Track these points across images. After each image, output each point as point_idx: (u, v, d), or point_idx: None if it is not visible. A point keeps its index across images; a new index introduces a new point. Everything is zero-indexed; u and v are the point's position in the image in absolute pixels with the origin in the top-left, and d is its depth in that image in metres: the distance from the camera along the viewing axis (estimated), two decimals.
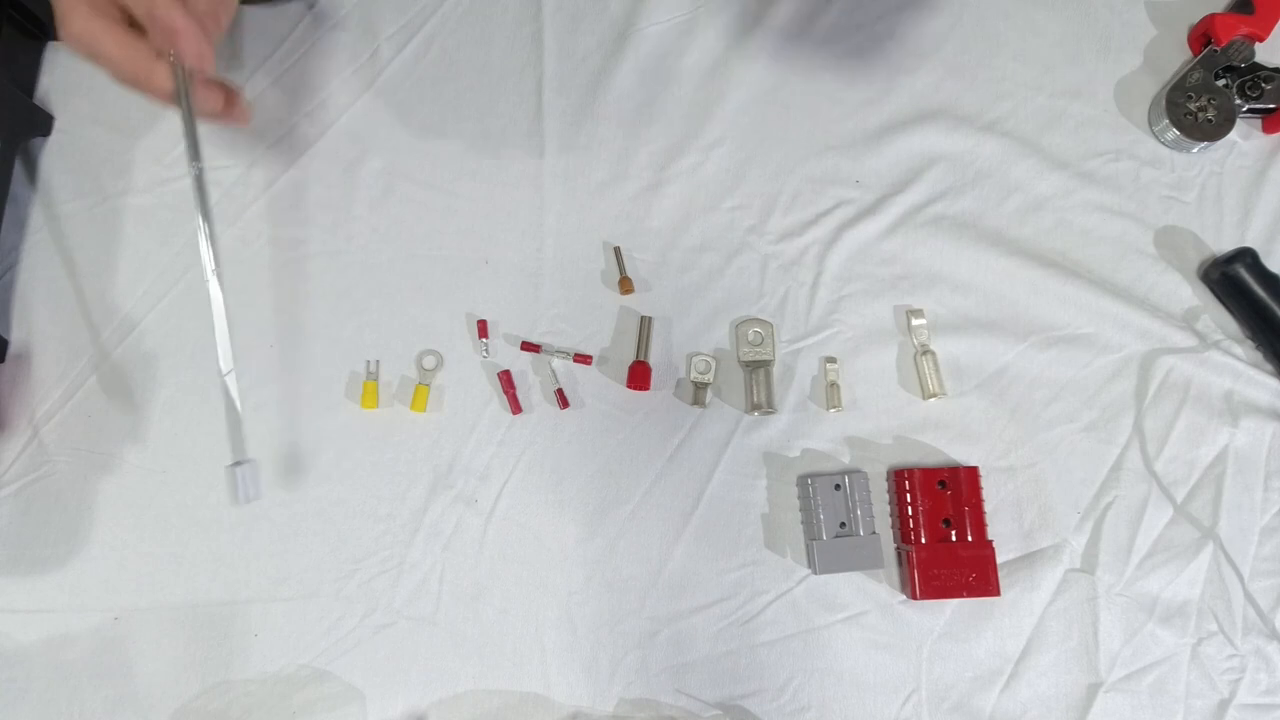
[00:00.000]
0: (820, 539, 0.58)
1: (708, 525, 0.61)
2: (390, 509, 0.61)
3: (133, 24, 0.49)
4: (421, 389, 0.61)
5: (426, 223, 0.65)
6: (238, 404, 0.53)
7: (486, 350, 0.63)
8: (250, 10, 0.67)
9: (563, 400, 0.62)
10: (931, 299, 0.63)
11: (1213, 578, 0.60)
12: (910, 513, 0.59)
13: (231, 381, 0.53)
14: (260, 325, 0.63)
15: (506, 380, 0.62)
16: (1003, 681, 0.59)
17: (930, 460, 0.62)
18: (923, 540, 0.58)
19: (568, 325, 0.64)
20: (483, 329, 0.63)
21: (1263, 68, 0.64)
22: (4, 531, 0.60)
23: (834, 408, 0.62)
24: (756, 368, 0.61)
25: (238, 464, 0.53)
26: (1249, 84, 0.64)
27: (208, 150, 0.53)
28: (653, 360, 0.62)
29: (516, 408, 0.62)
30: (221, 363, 0.53)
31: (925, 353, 0.62)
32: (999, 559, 0.59)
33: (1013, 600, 0.59)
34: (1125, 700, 0.58)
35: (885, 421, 0.62)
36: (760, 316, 0.63)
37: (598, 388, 0.63)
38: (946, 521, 0.59)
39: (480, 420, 0.62)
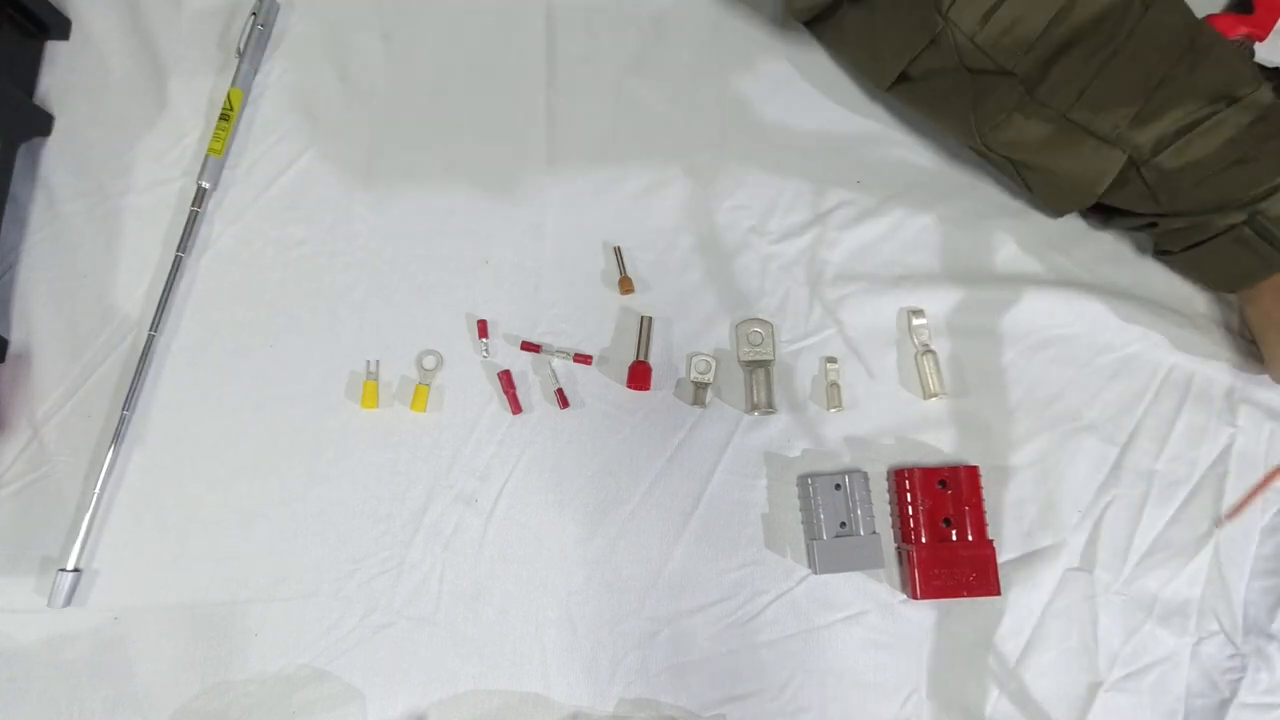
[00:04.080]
0: (820, 539, 0.58)
1: (708, 525, 0.61)
2: (390, 509, 0.61)
3: None
4: (421, 389, 0.61)
5: (426, 223, 0.65)
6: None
7: (486, 350, 0.63)
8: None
9: (563, 400, 0.62)
10: (932, 299, 0.63)
11: (1213, 577, 0.60)
12: (910, 512, 0.59)
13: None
14: (260, 325, 0.63)
15: (506, 380, 0.62)
16: (1003, 681, 0.59)
17: (930, 460, 0.61)
18: (923, 540, 0.58)
19: (568, 325, 0.63)
20: (483, 329, 0.63)
21: (1263, 68, 0.64)
22: (4, 531, 0.60)
23: (834, 408, 0.62)
24: (756, 368, 0.61)
25: (63, 570, 0.58)
26: None
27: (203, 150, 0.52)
28: (653, 360, 0.62)
29: (516, 408, 0.62)
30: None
31: (925, 353, 0.62)
32: (999, 559, 0.59)
33: (1013, 600, 0.59)
34: (1125, 699, 0.58)
35: (885, 421, 0.62)
36: (760, 316, 0.63)
37: (598, 388, 0.63)
38: (946, 521, 0.59)
39: (480, 420, 0.62)
